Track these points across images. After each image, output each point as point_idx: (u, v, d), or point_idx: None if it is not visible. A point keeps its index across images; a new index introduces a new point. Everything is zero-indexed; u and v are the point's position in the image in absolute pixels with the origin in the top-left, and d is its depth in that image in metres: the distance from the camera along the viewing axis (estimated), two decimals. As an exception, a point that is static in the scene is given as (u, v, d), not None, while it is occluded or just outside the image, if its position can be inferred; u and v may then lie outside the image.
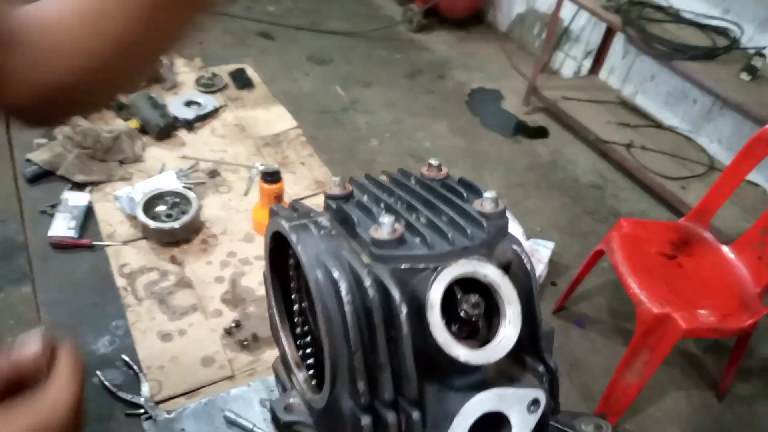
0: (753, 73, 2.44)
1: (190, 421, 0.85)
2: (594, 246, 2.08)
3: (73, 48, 0.48)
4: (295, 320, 0.38)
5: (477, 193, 0.34)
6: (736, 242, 1.99)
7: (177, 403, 0.99)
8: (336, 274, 0.29)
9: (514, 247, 0.33)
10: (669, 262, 1.99)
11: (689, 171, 2.84)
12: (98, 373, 1.01)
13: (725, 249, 2.00)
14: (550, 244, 2.39)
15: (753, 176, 2.68)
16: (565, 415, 0.49)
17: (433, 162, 0.37)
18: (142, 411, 0.95)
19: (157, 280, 1.22)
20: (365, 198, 0.34)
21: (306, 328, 0.38)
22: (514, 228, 2.39)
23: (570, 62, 3.73)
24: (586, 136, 3.11)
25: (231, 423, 0.86)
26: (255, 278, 1.27)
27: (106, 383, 1.00)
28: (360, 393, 0.29)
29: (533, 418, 0.32)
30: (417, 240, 0.30)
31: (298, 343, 0.39)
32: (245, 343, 1.12)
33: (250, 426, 0.86)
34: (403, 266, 0.30)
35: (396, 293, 0.28)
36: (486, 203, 0.33)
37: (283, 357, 0.40)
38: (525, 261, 0.32)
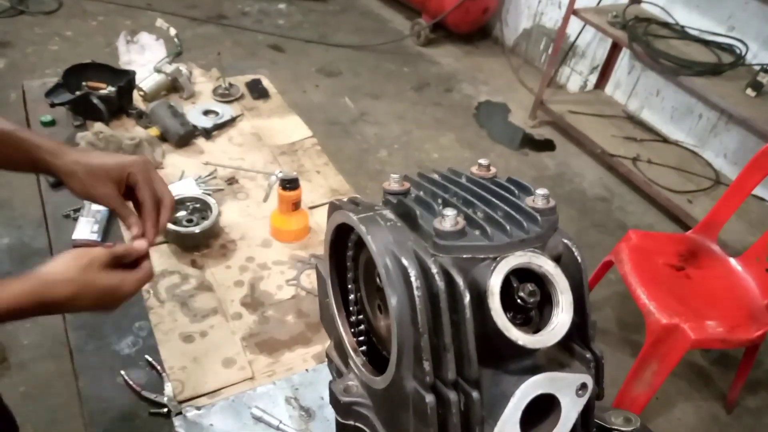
0: (758, 89, 2.47)
1: (218, 417, 0.87)
2: (601, 258, 2.10)
3: None
4: (351, 309, 0.41)
5: (527, 190, 0.37)
6: (744, 255, 2.01)
7: (199, 403, 1.01)
8: (406, 262, 0.31)
9: (565, 240, 0.35)
10: (677, 274, 2.00)
11: (695, 185, 2.87)
12: (122, 372, 1.03)
13: (733, 261, 2.02)
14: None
15: (759, 191, 2.70)
16: (596, 409, 0.51)
17: (483, 162, 0.39)
18: (165, 410, 0.97)
19: (179, 283, 1.25)
20: (422, 194, 0.37)
21: (361, 316, 0.41)
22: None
23: (576, 77, 3.78)
24: (593, 150, 3.14)
25: (257, 419, 0.87)
26: (273, 283, 1.29)
27: (131, 382, 1.01)
28: (425, 373, 0.31)
29: (581, 401, 0.34)
30: (477, 232, 0.33)
31: (353, 330, 0.41)
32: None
33: (276, 422, 0.88)
34: (464, 256, 0.32)
35: (460, 281, 0.31)
36: (538, 199, 0.35)
37: (337, 343, 0.42)
38: (576, 254, 0.35)
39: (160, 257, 1.29)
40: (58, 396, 1.81)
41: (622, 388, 1.89)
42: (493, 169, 0.38)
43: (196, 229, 1.30)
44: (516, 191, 0.36)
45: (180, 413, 0.92)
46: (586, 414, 0.35)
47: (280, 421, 0.87)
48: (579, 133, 3.17)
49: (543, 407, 0.34)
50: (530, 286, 0.32)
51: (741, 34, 2.75)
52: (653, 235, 2.13)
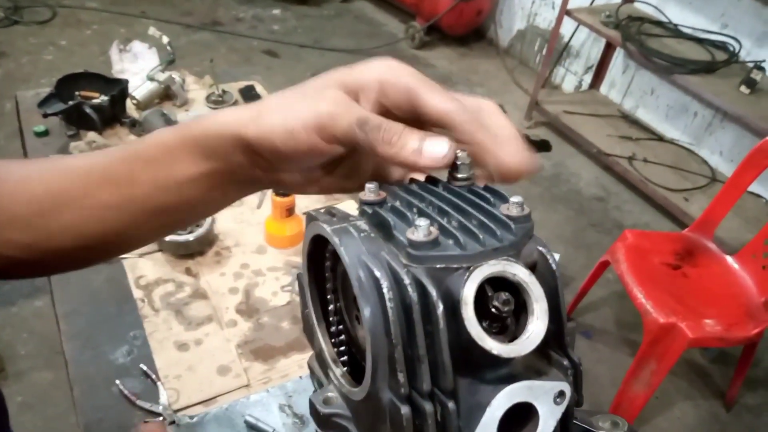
0: (752, 86, 2.48)
1: (212, 425, 0.87)
2: (598, 257, 2.10)
3: (30, 226, 0.44)
4: (331, 319, 0.41)
5: (503, 198, 0.37)
6: (740, 252, 2.02)
7: (194, 412, 1.01)
8: (378, 274, 0.31)
9: (540, 248, 0.35)
10: (674, 273, 2.01)
11: (691, 183, 2.87)
12: (117, 381, 1.03)
13: (729, 259, 2.02)
14: (555, 256, 2.41)
15: (755, 187, 2.70)
16: (582, 413, 0.51)
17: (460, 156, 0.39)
18: (160, 419, 0.97)
19: (173, 291, 1.25)
20: (398, 203, 0.36)
21: (341, 326, 0.41)
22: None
23: (571, 77, 3.78)
24: (589, 150, 3.14)
25: (251, 427, 0.88)
26: (268, 289, 1.29)
27: (125, 392, 1.02)
28: (400, 384, 0.31)
29: (559, 409, 0.34)
30: (450, 242, 0.33)
31: (333, 340, 0.41)
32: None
33: (270, 430, 0.88)
34: (438, 266, 0.32)
35: (433, 291, 0.31)
36: (512, 207, 0.35)
37: (318, 355, 0.42)
38: (550, 261, 0.35)
39: (154, 265, 1.30)
40: (55, 406, 1.81)
41: (620, 388, 1.89)
42: (471, 171, 0.38)
43: (191, 237, 1.30)
44: (491, 199, 0.36)
45: (173, 422, 0.92)
46: (565, 421, 0.35)
47: (274, 429, 0.88)
48: (575, 133, 3.18)
49: (521, 415, 0.34)
50: (504, 295, 0.31)
51: (734, 32, 2.75)
52: (649, 234, 2.13)
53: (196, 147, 0.41)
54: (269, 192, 1.43)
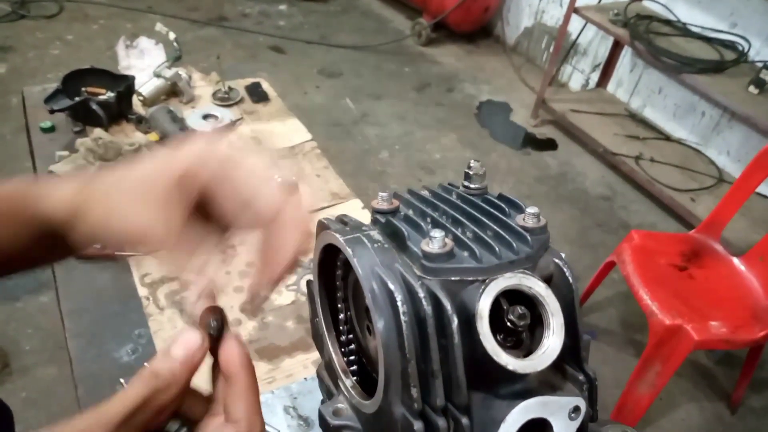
0: (761, 87, 2.45)
1: (216, 429, 0.87)
2: (604, 257, 2.09)
3: None
4: (341, 328, 0.40)
5: (518, 208, 0.36)
6: (747, 254, 2.00)
7: (199, 412, 1.00)
8: (392, 286, 0.31)
9: (556, 260, 0.34)
10: (680, 274, 1.99)
11: (698, 183, 2.85)
12: (122, 380, 1.03)
13: (736, 261, 2.01)
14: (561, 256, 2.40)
15: (763, 189, 2.68)
16: (593, 423, 0.50)
17: (474, 167, 0.39)
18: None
19: (178, 289, 1.24)
20: (411, 212, 0.36)
21: (351, 336, 0.40)
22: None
23: (578, 75, 3.76)
24: (595, 149, 3.12)
25: (256, 431, 0.87)
26: (273, 289, 1.29)
27: (130, 391, 1.01)
28: (413, 399, 0.31)
29: (574, 425, 0.33)
30: (465, 253, 0.32)
31: (343, 350, 0.41)
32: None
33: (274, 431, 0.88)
34: (453, 278, 0.31)
35: (448, 304, 0.30)
36: (528, 218, 0.34)
37: (327, 363, 0.41)
38: (567, 274, 0.34)
39: (160, 264, 1.29)
40: (60, 401, 1.81)
41: (625, 389, 1.88)
42: (484, 182, 0.38)
43: (196, 235, 1.30)
44: (507, 209, 0.36)
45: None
46: (580, 436, 0.35)
47: (279, 431, 0.87)
48: (581, 132, 3.16)
49: (535, 430, 0.33)
50: (520, 309, 0.31)
51: (743, 31, 2.73)
52: (656, 235, 2.12)
53: (25, 215, 0.43)
54: (275, 190, 1.43)
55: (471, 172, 0.38)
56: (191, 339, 0.38)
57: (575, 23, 3.26)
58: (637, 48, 2.75)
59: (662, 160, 2.96)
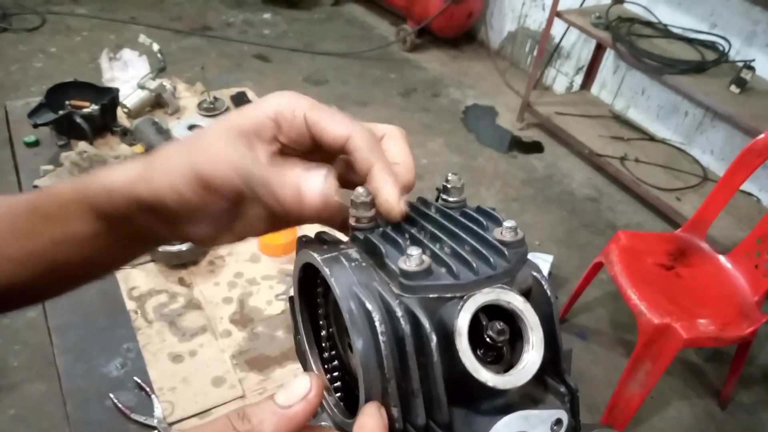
0: (742, 86, 2.49)
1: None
2: (592, 258, 2.11)
3: None
4: (323, 345, 0.40)
5: (496, 221, 0.36)
6: (733, 252, 2.02)
7: (189, 424, 1.00)
8: (369, 306, 0.31)
9: (534, 273, 0.35)
10: (667, 273, 2.01)
11: (683, 182, 2.88)
12: (111, 395, 1.02)
13: (722, 259, 2.03)
14: (549, 258, 2.42)
15: (747, 186, 2.71)
16: (582, 427, 0.50)
17: (452, 180, 0.39)
18: (155, 433, 0.96)
19: (167, 302, 1.24)
20: (389, 228, 0.36)
21: (333, 353, 0.40)
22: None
23: (562, 78, 3.79)
24: (581, 150, 3.15)
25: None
26: (262, 298, 1.28)
27: (120, 405, 1.01)
28: (394, 419, 0.31)
29: (557, 437, 0.34)
30: (443, 270, 0.32)
31: (326, 366, 0.41)
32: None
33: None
34: (431, 296, 0.32)
35: (426, 323, 0.30)
36: (506, 232, 0.35)
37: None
38: (545, 287, 0.34)
39: (147, 276, 1.29)
40: (49, 418, 1.79)
41: (616, 389, 1.89)
42: (463, 195, 0.38)
43: (183, 247, 1.29)
44: (485, 222, 0.36)
45: (165, 438, 0.91)
46: (562, 448, 0.35)
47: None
48: (566, 134, 3.18)
49: (518, 444, 0.33)
50: (498, 324, 0.31)
51: (723, 31, 2.77)
52: (642, 235, 2.13)
53: (89, 207, 0.40)
54: (262, 201, 1.43)
55: (449, 185, 0.38)
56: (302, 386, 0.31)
57: (558, 27, 3.29)
58: (619, 50, 2.78)
59: (647, 161, 2.99)
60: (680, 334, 1.72)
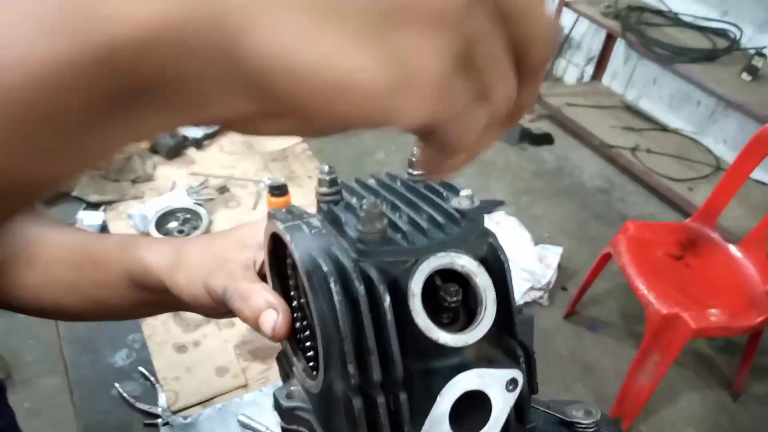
0: (754, 74, 2.45)
1: (205, 425, 0.89)
2: (602, 250, 2.10)
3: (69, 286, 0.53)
4: (295, 315, 0.42)
5: (455, 191, 0.37)
6: (743, 241, 2.00)
7: (193, 412, 1.02)
8: (325, 269, 0.32)
9: (490, 239, 0.36)
10: (677, 263, 2.00)
11: (696, 172, 2.85)
12: (116, 385, 1.05)
13: (732, 248, 2.01)
14: (559, 250, 2.41)
15: (758, 174, 2.68)
16: (558, 403, 0.51)
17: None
18: (160, 420, 0.98)
19: (171, 294, 1.26)
20: (354, 200, 0.37)
21: (305, 322, 0.42)
22: (522, 234, 2.41)
23: (572, 69, 3.77)
24: (592, 142, 3.13)
25: (245, 426, 0.89)
26: (265, 290, 1.30)
27: (125, 395, 1.03)
28: (350, 375, 0.32)
29: (512, 396, 0.35)
30: (398, 236, 0.33)
31: (298, 336, 0.42)
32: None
33: (264, 429, 0.90)
34: (387, 260, 0.33)
35: (380, 284, 0.32)
36: (462, 201, 0.36)
37: (285, 350, 0.43)
38: (499, 252, 0.35)
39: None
40: (61, 411, 1.83)
41: (625, 381, 1.89)
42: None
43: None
44: (444, 193, 0.37)
45: (167, 423, 0.94)
46: (520, 408, 0.36)
47: (267, 428, 0.89)
48: (577, 126, 3.17)
49: (475, 404, 0.34)
50: (452, 286, 0.32)
51: (735, 19, 2.73)
52: (651, 225, 2.12)
53: (127, 273, 0.50)
54: (264, 192, 1.45)
55: (414, 159, 0.39)
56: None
57: (568, 17, 3.26)
58: (629, 39, 2.76)
59: (659, 151, 2.96)
60: (689, 324, 1.71)
